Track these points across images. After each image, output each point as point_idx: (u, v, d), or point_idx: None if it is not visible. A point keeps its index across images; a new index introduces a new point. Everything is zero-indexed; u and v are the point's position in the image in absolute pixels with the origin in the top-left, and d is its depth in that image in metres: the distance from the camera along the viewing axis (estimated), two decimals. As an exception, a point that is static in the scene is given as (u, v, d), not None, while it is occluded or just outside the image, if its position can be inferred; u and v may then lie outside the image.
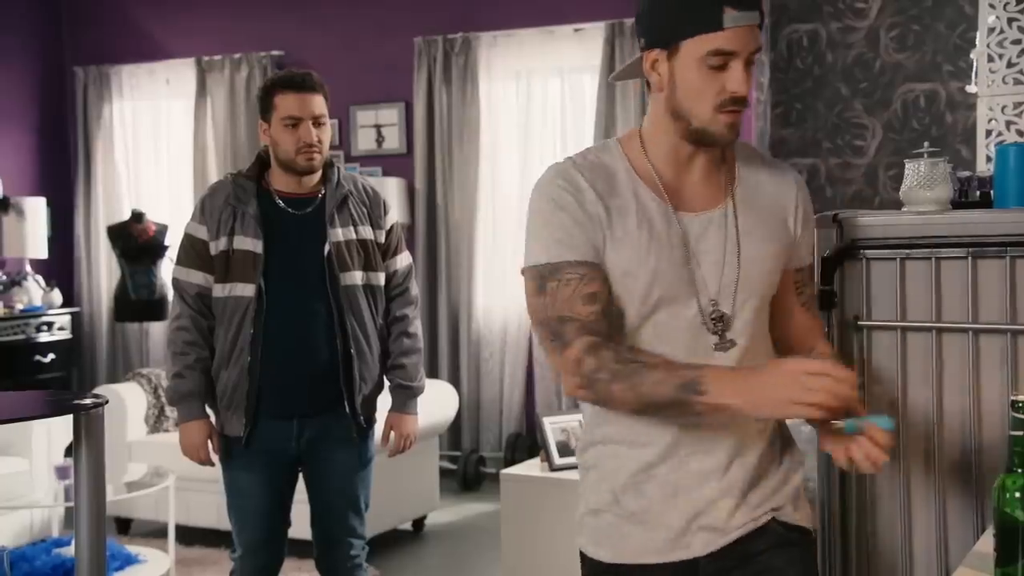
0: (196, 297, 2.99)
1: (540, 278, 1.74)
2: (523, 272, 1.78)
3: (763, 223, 1.79)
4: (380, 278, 3.09)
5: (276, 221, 2.98)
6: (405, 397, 3.17)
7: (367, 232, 3.05)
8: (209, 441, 3.01)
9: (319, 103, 2.99)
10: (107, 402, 1.98)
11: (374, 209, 3.10)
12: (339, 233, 3.00)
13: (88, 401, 1.92)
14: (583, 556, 1.87)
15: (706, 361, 1.71)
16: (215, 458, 3.05)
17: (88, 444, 1.89)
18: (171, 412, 5.27)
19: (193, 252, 2.99)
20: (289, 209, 3.01)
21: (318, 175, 3.05)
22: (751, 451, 1.79)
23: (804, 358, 1.69)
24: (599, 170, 1.77)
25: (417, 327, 3.17)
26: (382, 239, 3.09)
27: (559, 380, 1.76)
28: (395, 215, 3.18)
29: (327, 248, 2.97)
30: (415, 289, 3.20)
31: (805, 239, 1.86)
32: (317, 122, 2.97)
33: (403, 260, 3.16)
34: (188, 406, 2.99)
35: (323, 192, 3.03)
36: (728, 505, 1.77)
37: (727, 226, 1.76)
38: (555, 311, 1.71)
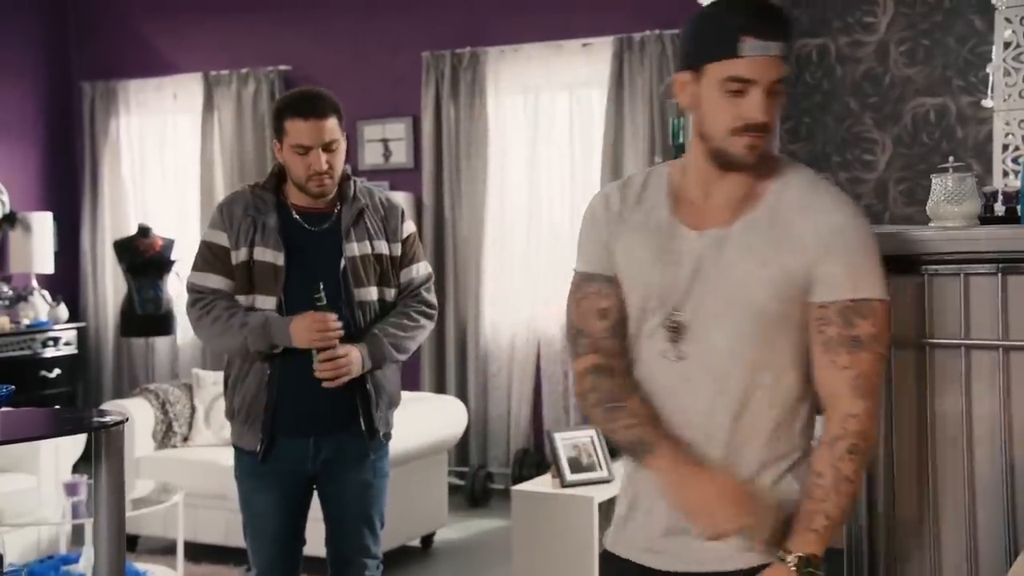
0: (214, 293, 2.93)
1: (574, 285, 1.92)
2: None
3: (765, 246, 1.77)
4: (395, 293, 3.05)
5: (293, 235, 2.95)
6: (374, 341, 2.94)
7: (383, 247, 3.01)
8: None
9: (330, 128, 2.89)
10: (126, 420, 1.96)
11: (390, 221, 3.05)
12: (355, 248, 2.96)
13: (108, 419, 1.90)
14: None
15: (650, 368, 1.82)
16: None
17: (108, 462, 1.87)
18: (178, 428, 5.23)
19: (212, 257, 2.94)
20: (306, 225, 2.97)
21: (334, 190, 3.01)
22: None
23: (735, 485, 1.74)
24: (633, 187, 1.89)
25: (423, 323, 3.03)
26: (398, 251, 3.04)
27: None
28: (412, 225, 3.13)
29: (343, 263, 2.94)
30: (434, 298, 3.10)
31: (830, 272, 1.74)
32: (328, 148, 2.89)
33: (421, 269, 3.09)
34: (275, 322, 2.86)
35: (339, 207, 3.00)
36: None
37: (723, 244, 1.78)
38: (575, 321, 1.90)
